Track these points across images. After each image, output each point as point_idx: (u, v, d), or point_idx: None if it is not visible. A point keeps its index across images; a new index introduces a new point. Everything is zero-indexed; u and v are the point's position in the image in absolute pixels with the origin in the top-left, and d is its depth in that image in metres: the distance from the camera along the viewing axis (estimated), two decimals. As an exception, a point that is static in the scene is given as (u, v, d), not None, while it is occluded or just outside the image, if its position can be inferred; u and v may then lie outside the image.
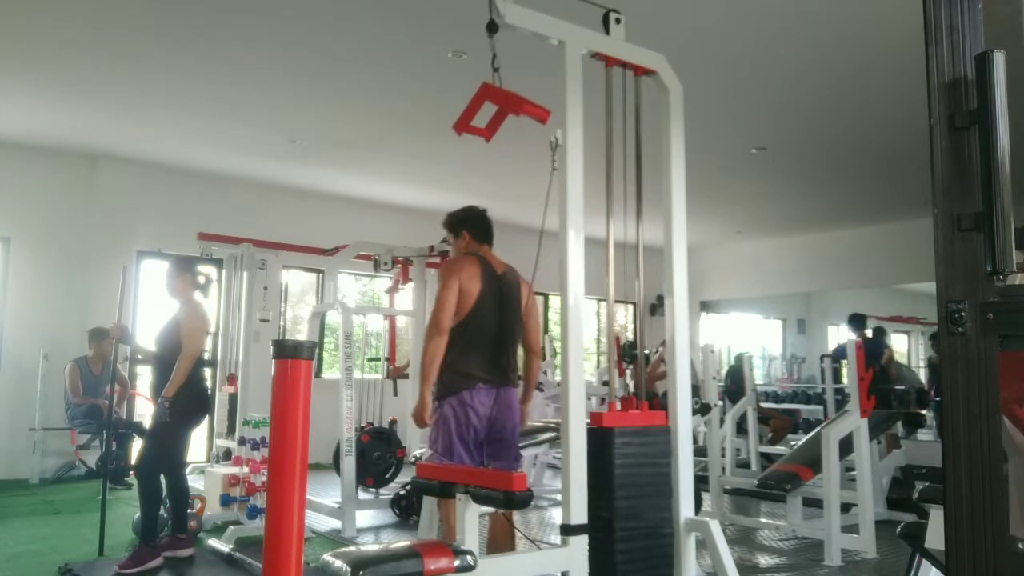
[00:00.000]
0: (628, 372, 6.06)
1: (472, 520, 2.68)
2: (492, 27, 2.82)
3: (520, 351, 3.64)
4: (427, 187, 8.71)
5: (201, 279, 4.53)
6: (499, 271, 3.53)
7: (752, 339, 12.06)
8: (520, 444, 4.61)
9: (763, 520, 5.57)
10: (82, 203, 7.65)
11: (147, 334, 4.71)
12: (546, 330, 10.85)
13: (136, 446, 6.56)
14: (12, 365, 7.27)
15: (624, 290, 3.42)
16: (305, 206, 8.79)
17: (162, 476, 4.27)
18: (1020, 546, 0.93)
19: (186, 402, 4.28)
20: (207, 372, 5.15)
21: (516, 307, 3.51)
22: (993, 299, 0.94)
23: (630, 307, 11.44)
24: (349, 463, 5.24)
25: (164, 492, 4.31)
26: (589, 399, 7.05)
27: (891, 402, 7.81)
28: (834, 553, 4.42)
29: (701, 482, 4.95)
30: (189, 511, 4.63)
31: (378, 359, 7.62)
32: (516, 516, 5.45)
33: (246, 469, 4.95)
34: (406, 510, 5.49)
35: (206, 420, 4.96)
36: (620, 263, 3.30)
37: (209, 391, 4.63)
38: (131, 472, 6.22)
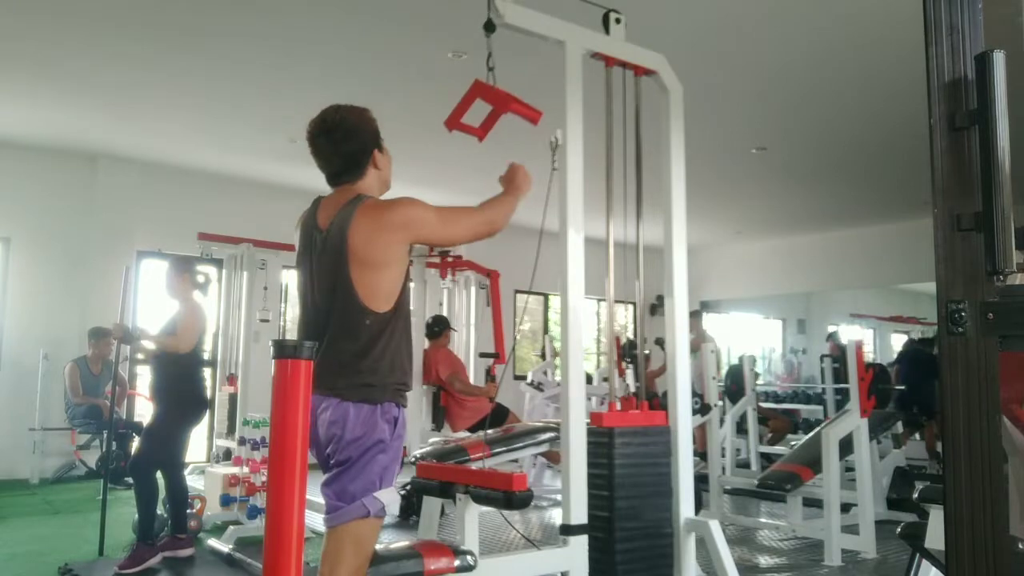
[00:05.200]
0: (628, 372, 6.06)
1: (472, 520, 2.69)
2: (489, 26, 2.82)
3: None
4: (427, 187, 8.69)
5: (200, 278, 4.54)
6: (322, 223, 2.25)
7: (753, 339, 12.06)
8: (520, 444, 4.62)
9: (763, 520, 5.56)
10: (82, 203, 7.65)
11: (147, 333, 4.70)
12: (546, 330, 10.87)
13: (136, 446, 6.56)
14: (12, 365, 7.27)
15: (624, 290, 3.42)
16: (305, 206, 8.75)
17: (159, 475, 4.28)
18: (1020, 546, 0.93)
19: (184, 401, 4.29)
20: (206, 372, 5.14)
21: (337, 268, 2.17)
22: (993, 299, 0.94)
23: (630, 307, 11.44)
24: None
25: (161, 491, 4.31)
26: (589, 399, 7.04)
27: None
28: (834, 553, 4.42)
29: (701, 482, 4.95)
30: (189, 511, 4.63)
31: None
32: (516, 516, 5.46)
33: (246, 469, 4.95)
34: (406, 510, 5.49)
35: (205, 420, 4.95)
36: (620, 263, 3.30)
37: (208, 391, 4.64)
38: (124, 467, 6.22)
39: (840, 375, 8.97)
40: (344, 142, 2.24)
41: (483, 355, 6.61)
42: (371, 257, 2.11)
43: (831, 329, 10.72)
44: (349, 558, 2.08)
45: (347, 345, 2.12)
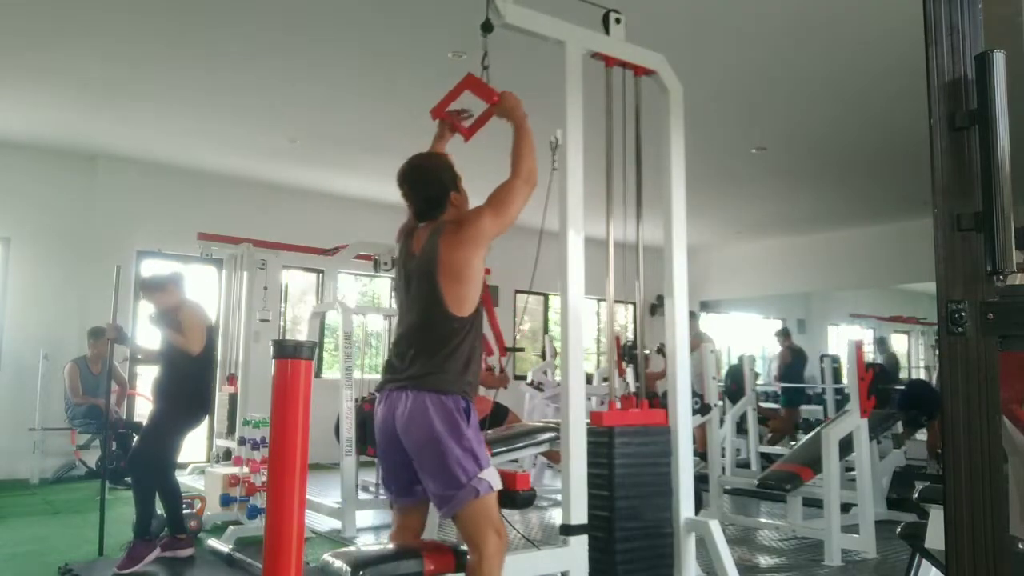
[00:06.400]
0: (628, 371, 6.08)
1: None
2: (487, 27, 2.83)
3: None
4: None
5: (175, 277, 4.55)
6: (415, 249, 2.56)
7: (753, 339, 12.05)
8: (520, 444, 4.62)
9: (763, 520, 5.57)
10: (82, 203, 7.65)
11: (147, 334, 4.70)
12: (546, 330, 10.86)
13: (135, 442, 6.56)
14: (12, 365, 7.27)
15: (624, 290, 3.42)
16: (305, 206, 8.79)
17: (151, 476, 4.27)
18: (1020, 546, 0.93)
19: (185, 401, 4.29)
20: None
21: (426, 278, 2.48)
22: (993, 299, 0.94)
23: (630, 307, 11.44)
24: (349, 464, 5.24)
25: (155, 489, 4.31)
26: (589, 399, 7.04)
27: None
28: (834, 553, 4.42)
29: (701, 482, 4.95)
30: (189, 511, 4.63)
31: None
32: (516, 516, 5.46)
33: (246, 469, 4.95)
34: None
35: (205, 420, 4.95)
36: (620, 263, 3.31)
37: (210, 393, 4.63)
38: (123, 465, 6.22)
39: (793, 376, 9.16)
40: (425, 188, 2.56)
41: (509, 350, 6.78)
42: (456, 271, 2.43)
43: (782, 325, 10.72)
44: (484, 536, 2.33)
45: (433, 344, 2.43)
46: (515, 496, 2.49)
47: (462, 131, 2.89)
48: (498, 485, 2.37)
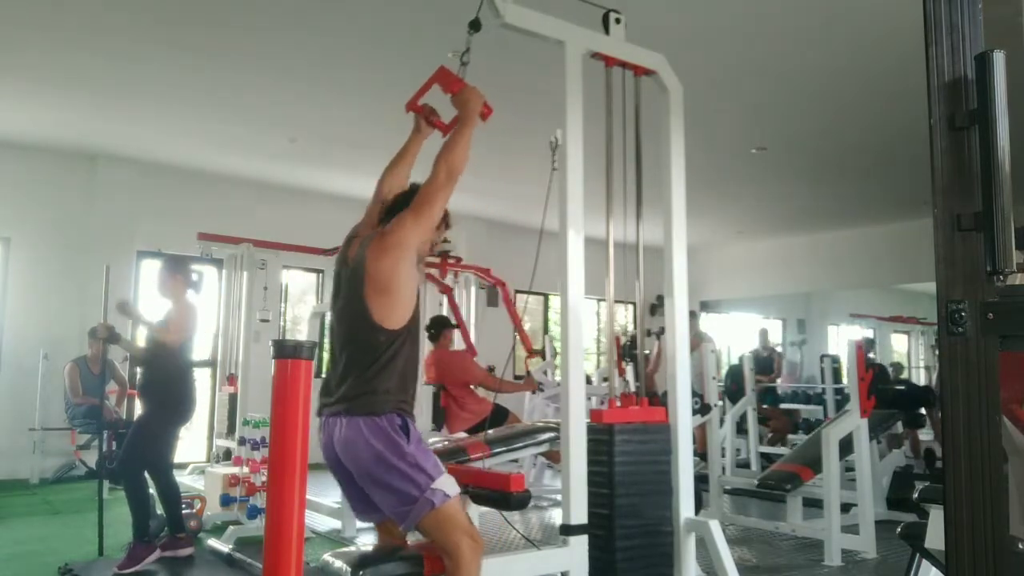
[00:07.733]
0: (628, 370, 6.08)
1: (472, 520, 2.68)
2: (475, 25, 2.80)
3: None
4: (427, 187, 8.69)
5: (194, 276, 4.52)
6: (349, 259, 2.49)
7: (753, 339, 12.05)
8: (520, 444, 4.62)
9: (763, 520, 5.57)
10: (82, 203, 7.65)
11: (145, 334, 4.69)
12: (546, 330, 10.86)
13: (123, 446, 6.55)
14: (12, 365, 7.27)
15: (624, 290, 3.42)
16: (305, 206, 8.79)
17: (147, 477, 4.26)
18: (1020, 546, 0.93)
19: (172, 402, 4.28)
20: (201, 373, 5.12)
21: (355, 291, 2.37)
22: (993, 299, 0.94)
23: (630, 307, 11.44)
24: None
25: (151, 489, 4.30)
26: (589, 399, 7.05)
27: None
28: (834, 553, 4.42)
29: (701, 482, 4.95)
30: (189, 511, 4.62)
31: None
32: (516, 516, 5.46)
33: (246, 469, 4.95)
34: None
35: (205, 420, 4.94)
36: (620, 263, 3.30)
37: (196, 393, 4.60)
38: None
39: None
40: (407, 194, 2.52)
41: (533, 352, 6.88)
42: (383, 281, 2.32)
43: (763, 326, 10.71)
44: (456, 542, 2.27)
45: (362, 360, 2.31)
46: (509, 498, 2.49)
47: (439, 126, 2.83)
48: (455, 491, 2.29)
